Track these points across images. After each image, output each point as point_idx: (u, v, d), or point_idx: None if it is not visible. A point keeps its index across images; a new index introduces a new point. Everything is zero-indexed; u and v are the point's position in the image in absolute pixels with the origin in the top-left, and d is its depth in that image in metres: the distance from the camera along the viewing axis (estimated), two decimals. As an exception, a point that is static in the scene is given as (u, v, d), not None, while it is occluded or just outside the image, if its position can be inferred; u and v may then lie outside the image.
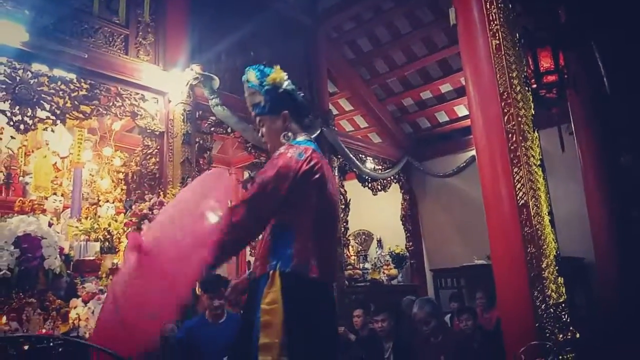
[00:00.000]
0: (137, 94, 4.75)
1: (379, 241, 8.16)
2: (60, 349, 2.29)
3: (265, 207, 1.91)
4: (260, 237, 2.00)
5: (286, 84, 2.12)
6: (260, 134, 2.21)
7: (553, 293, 3.09)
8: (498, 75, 3.47)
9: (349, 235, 7.43)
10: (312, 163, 1.95)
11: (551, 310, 3.07)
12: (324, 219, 1.99)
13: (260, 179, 1.91)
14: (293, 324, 1.80)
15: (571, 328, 3.12)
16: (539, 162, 3.33)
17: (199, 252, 1.77)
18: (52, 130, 4.88)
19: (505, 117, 3.36)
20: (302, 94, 2.21)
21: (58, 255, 3.68)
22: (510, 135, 3.32)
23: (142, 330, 1.84)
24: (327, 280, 2.00)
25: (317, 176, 1.96)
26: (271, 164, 1.95)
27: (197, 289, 4.79)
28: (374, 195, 7.62)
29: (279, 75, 2.11)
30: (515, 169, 3.25)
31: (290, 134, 2.09)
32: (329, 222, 2.06)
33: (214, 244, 1.78)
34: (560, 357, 2.91)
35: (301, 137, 2.09)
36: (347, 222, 6.84)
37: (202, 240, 1.81)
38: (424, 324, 3.91)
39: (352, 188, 7.35)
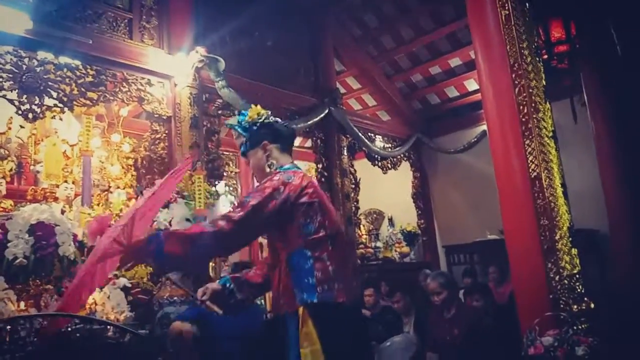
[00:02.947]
0: (143, 78, 4.73)
1: (390, 219, 8.16)
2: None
3: (251, 229, 1.95)
4: (276, 271, 2.00)
5: (263, 118, 2.19)
6: (251, 171, 2.29)
7: (567, 264, 3.08)
8: (508, 47, 3.42)
9: (360, 214, 7.44)
10: (302, 183, 1.98)
11: (565, 281, 3.06)
12: (335, 240, 1.99)
13: (249, 201, 1.92)
14: (333, 355, 1.81)
15: (585, 299, 3.11)
16: (551, 134, 3.28)
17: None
18: (61, 119, 4.88)
19: (516, 89, 3.31)
20: (284, 124, 2.28)
21: (72, 242, 3.71)
22: (521, 107, 3.27)
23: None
24: (353, 301, 2.01)
25: (312, 196, 1.98)
26: (261, 187, 1.99)
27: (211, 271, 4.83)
28: (384, 173, 7.58)
29: (254, 112, 2.21)
30: (527, 141, 3.21)
31: (273, 161, 2.13)
32: (341, 243, 2.05)
33: (195, 243, 1.83)
34: (575, 328, 2.90)
35: (287, 164, 2.13)
36: (357, 201, 6.84)
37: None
38: (435, 295, 3.92)
39: (362, 167, 7.32)
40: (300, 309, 1.85)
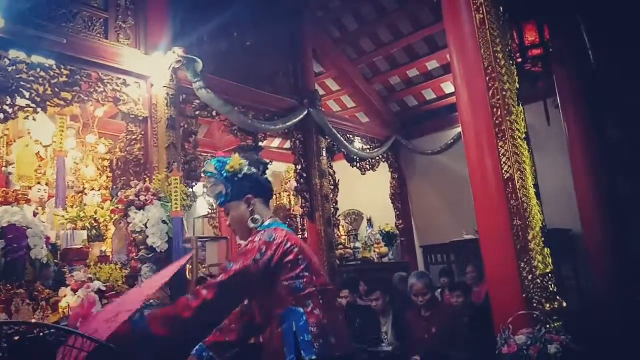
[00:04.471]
0: (119, 79, 4.66)
1: (369, 220, 8.21)
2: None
3: (236, 294, 1.92)
4: (267, 331, 1.96)
5: (246, 169, 2.12)
6: (228, 222, 2.21)
7: (540, 264, 3.13)
8: (482, 50, 3.46)
9: (339, 215, 7.46)
10: (285, 242, 1.95)
11: (538, 280, 3.11)
12: (325, 293, 1.98)
13: (232, 267, 1.89)
14: None
15: (558, 297, 3.17)
16: (524, 136, 3.33)
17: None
18: (34, 119, 4.79)
19: (490, 92, 3.35)
20: (265, 176, 2.22)
21: (45, 245, 3.65)
22: (495, 110, 3.32)
23: None
24: (348, 352, 1.98)
25: (295, 251, 1.95)
26: (243, 251, 1.95)
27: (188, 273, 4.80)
28: (363, 175, 7.62)
29: (237, 162, 2.12)
30: (501, 143, 3.26)
31: (257, 217, 2.08)
32: (331, 295, 2.04)
33: (180, 320, 1.77)
34: (548, 326, 2.95)
35: (268, 220, 2.10)
36: (336, 202, 6.86)
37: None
38: (420, 295, 3.95)
39: (341, 168, 7.35)
40: None
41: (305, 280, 1.93)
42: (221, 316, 1.98)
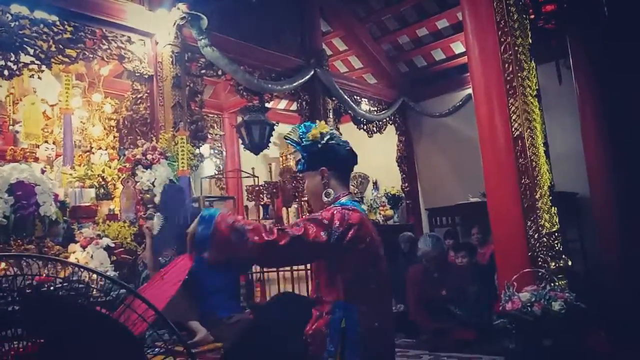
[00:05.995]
0: (123, 36, 4.59)
1: (375, 183, 8.19)
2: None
3: (297, 253, 1.80)
4: (316, 312, 1.87)
5: (327, 138, 1.98)
6: (305, 191, 2.12)
7: (546, 223, 3.13)
8: (495, 3, 3.37)
9: (345, 177, 7.44)
10: (360, 226, 1.81)
11: (544, 239, 3.12)
12: (384, 292, 1.89)
13: (303, 225, 1.77)
14: None
15: (563, 256, 3.18)
16: (535, 93, 3.28)
17: None
18: (39, 77, 4.74)
19: (502, 47, 3.29)
20: (347, 146, 2.06)
21: (53, 202, 3.68)
22: (506, 65, 3.26)
23: None
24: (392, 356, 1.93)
25: (367, 241, 1.83)
26: (320, 215, 1.83)
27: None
28: (370, 137, 7.56)
29: (320, 129, 1.99)
30: (511, 100, 3.21)
31: (331, 190, 1.96)
32: (389, 295, 1.95)
33: (244, 238, 1.69)
34: (553, 284, 2.97)
35: (345, 198, 1.95)
36: (343, 164, 6.83)
37: None
38: (433, 262, 3.98)
39: (347, 130, 7.28)
40: None
41: (368, 274, 1.83)
42: (277, 264, 1.98)
